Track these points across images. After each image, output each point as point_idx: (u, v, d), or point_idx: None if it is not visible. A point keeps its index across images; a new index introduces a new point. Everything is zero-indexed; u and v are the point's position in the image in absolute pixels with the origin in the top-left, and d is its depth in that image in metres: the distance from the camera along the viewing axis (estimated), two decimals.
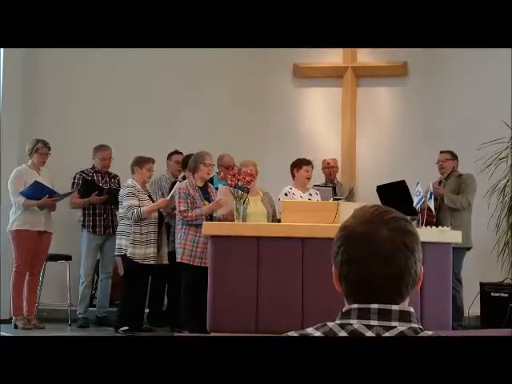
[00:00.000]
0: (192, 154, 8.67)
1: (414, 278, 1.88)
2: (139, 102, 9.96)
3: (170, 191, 8.82)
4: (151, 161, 8.51)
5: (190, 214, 7.88)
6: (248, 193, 7.83)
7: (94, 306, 9.21)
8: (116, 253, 8.42)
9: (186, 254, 7.86)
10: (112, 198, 8.79)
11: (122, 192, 8.39)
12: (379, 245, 1.85)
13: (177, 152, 9.38)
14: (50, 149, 8.61)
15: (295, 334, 1.89)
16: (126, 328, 8.20)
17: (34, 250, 8.47)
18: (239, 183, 7.46)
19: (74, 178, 9.08)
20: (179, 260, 7.91)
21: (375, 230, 1.86)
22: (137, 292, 8.29)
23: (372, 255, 1.84)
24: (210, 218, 7.98)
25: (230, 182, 7.52)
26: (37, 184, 8.42)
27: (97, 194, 8.94)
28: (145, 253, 8.22)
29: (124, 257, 8.28)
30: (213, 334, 6.81)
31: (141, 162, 8.44)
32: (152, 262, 8.27)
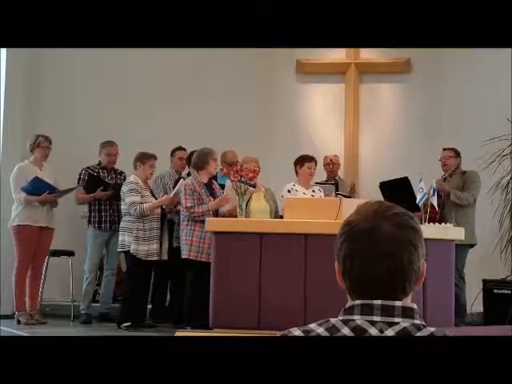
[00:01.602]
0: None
1: (418, 274, 1.88)
2: (141, 100, 9.95)
3: (174, 187, 8.83)
4: (153, 157, 8.51)
5: (196, 210, 7.88)
6: (255, 187, 7.85)
7: (97, 302, 9.22)
8: (119, 249, 8.44)
9: (194, 250, 7.85)
10: (118, 194, 8.82)
11: (124, 188, 8.39)
12: (382, 241, 1.84)
13: (180, 148, 9.37)
14: (51, 142, 8.65)
15: (298, 330, 1.89)
16: (128, 324, 8.20)
17: (35, 246, 8.49)
18: (242, 179, 7.47)
19: (80, 174, 9.10)
20: (186, 256, 7.88)
21: (378, 225, 1.85)
22: (139, 288, 8.29)
23: (375, 251, 1.84)
24: (216, 213, 7.98)
25: (232, 178, 7.52)
26: (36, 180, 8.44)
27: (102, 189, 8.96)
28: (148, 249, 8.23)
29: (127, 253, 8.29)
30: (215, 330, 6.82)
31: (143, 158, 8.44)
32: (155, 259, 8.28)
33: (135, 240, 8.19)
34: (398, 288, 1.85)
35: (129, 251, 8.22)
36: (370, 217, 1.87)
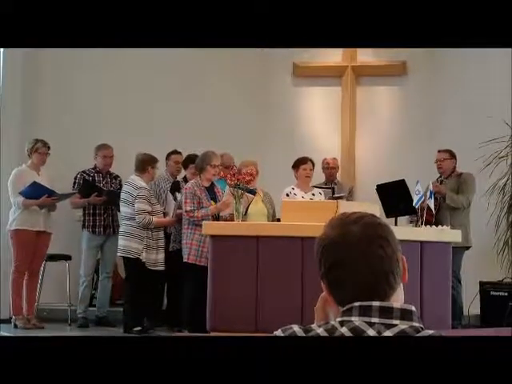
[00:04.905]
0: (193, 154, 8.66)
1: (398, 266, 1.91)
2: (139, 103, 9.94)
3: (170, 191, 8.81)
4: (157, 160, 8.51)
5: (196, 214, 7.88)
6: (254, 194, 7.83)
7: (94, 306, 9.21)
8: (120, 254, 8.35)
9: (193, 254, 7.85)
10: (111, 200, 8.79)
11: (134, 192, 8.23)
12: (355, 243, 1.89)
13: (175, 152, 9.35)
14: (49, 148, 8.63)
15: (297, 327, 1.91)
16: (139, 328, 8.16)
17: (32, 250, 8.48)
18: (239, 183, 7.46)
19: (76, 178, 9.10)
20: (186, 260, 7.89)
21: (347, 230, 1.91)
22: (146, 292, 8.27)
23: (352, 255, 1.89)
24: (217, 217, 7.97)
25: (229, 182, 7.51)
26: (35, 184, 8.43)
27: (96, 194, 8.95)
28: (156, 258, 8.21)
29: (129, 259, 8.22)
30: (212, 334, 6.81)
31: (153, 163, 8.35)
32: (161, 268, 8.25)
33: (145, 248, 8.15)
34: (383, 284, 1.89)
35: (136, 258, 8.16)
36: (337, 226, 1.94)
